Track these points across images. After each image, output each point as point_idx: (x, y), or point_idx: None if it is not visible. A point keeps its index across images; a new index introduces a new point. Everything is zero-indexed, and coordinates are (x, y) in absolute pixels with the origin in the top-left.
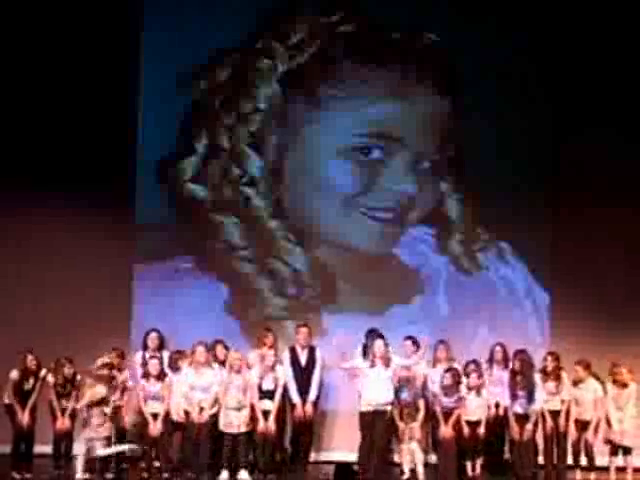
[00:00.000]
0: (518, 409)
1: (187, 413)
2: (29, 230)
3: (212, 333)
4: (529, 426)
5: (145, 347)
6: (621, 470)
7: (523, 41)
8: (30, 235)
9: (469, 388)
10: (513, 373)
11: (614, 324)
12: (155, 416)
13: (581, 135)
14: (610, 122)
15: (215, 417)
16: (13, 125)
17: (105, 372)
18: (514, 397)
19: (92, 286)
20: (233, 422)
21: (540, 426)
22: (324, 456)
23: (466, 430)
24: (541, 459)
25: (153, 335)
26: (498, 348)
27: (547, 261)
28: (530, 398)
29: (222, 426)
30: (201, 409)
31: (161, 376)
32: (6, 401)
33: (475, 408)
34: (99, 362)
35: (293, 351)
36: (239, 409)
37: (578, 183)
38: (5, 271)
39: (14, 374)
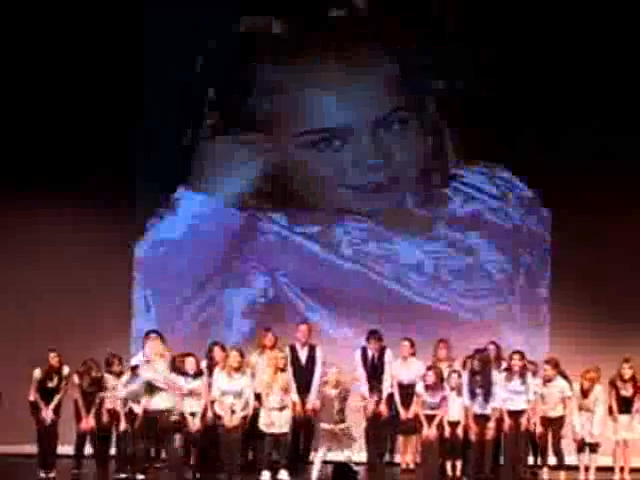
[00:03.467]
0: (476, 409)
1: (219, 417)
2: (29, 230)
3: (212, 335)
4: (491, 424)
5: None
6: (586, 469)
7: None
8: (30, 235)
9: (451, 388)
10: (472, 372)
11: (615, 324)
12: (192, 415)
13: (578, 128)
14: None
15: (245, 419)
16: (13, 124)
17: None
18: (473, 396)
19: (92, 286)
20: (275, 422)
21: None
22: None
23: (447, 429)
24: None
25: (153, 336)
26: (492, 347)
27: (547, 261)
28: (487, 397)
29: (263, 426)
30: (232, 412)
31: (198, 374)
32: (31, 398)
33: (454, 408)
34: (135, 361)
35: (293, 349)
36: (281, 409)
37: (577, 181)
38: (4, 271)
39: (37, 373)
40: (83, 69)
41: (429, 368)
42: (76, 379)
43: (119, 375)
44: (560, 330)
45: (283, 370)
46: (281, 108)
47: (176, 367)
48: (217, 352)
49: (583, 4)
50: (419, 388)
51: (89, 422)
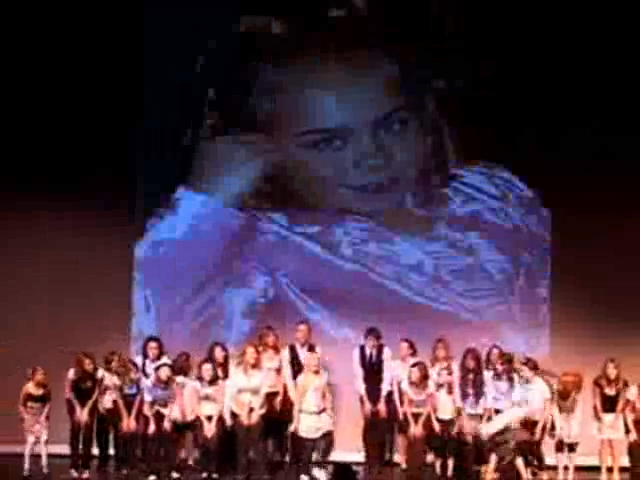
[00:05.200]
0: (468, 409)
1: (235, 415)
2: (29, 231)
3: (212, 335)
4: (481, 425)
5: (145, 354)
6: (564, 469)
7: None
8: (30, 236)
9: (438, 385)
10: (465, 371)
11: (615, 324)
12: (209, 418)
13: (578, 128)
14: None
15: (263, 417)
16: (13, 124)
17: (165, 374)
18: (465, 396)
19: (92, 286)
20: (312, 426)
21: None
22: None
23: (437, 427)
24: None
25: (152, 344)
26: (495, 350)
27: (547, 261)
28: (478, 398)
29: (302, 432)
30: (250, 410)
31: (214, 379)
32: (66, 397)
33: (446, 406)
34: (157, 362)
35: (292, 349)
36: (318, 413)
37: (577, 181)
38: (4, 271)
39: (71, 373)
40: (83, 69)
41: (414, 365)
42: (116, 380)
43: (119, 374)
44: (560, 330)
45: (317, 372)
46: (281, 108)
47: (181, 369)
48: (218, 352)
49: (583, 4)
50: (404, 385)
51: (131, 423)
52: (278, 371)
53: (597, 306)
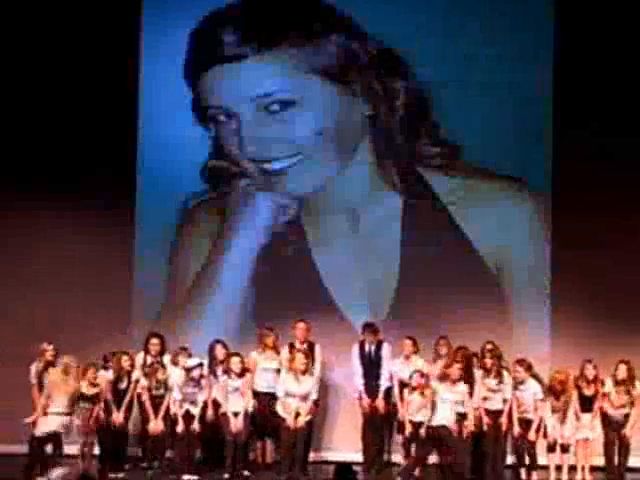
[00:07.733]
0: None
1: (283, 419)
2: (29, 230)
3: (213, 334)
4: (467, 422)
5: (147, 350)
6: (557, 468)
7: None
8: (30, 235)
9: (412, 388)
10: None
11: (615, 324)
12: (235, 414)
13: (580, 131)
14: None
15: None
16: (13, 124)
17: (198, 373)
18: None
19: (92, 286)
20: None
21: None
22: (324, 456)
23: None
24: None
25: (154, 341)
26: (489, 346)
27: (547, 260)
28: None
29: None
30: (297, 415)
31: (242, 373)
32: (105, 398)
33: (418, 408)
34: (191, 363)
35: (292, 348)
36: None
37: (577, 181)
38: (3, 270)
39: (109, 374)
40: (83, 69)
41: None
42: (144, 381)
43: (146, 375)
44: (560, 330)
45: None
46: None
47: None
48: (219, 350)
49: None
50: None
51: (158, 425)
52: (278, 372)
53: (597, 306)
